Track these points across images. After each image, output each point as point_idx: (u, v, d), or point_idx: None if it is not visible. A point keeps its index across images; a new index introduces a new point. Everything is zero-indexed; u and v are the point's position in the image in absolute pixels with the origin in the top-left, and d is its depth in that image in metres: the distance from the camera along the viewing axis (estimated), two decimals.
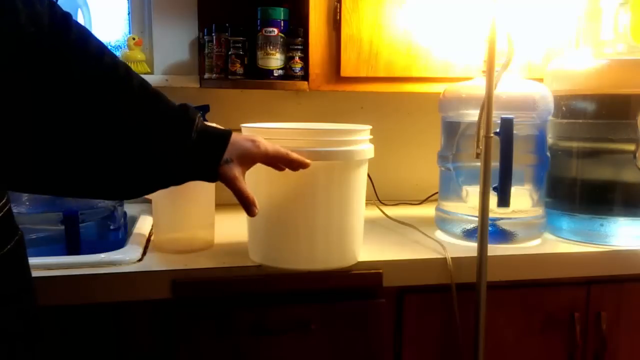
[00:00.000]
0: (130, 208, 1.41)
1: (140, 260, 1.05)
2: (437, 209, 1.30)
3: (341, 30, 1.31)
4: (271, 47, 1.35)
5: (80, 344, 0.99)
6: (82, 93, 0.72)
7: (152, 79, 1.48)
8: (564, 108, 1.25)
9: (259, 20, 1.37)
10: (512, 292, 1.15)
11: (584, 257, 1.16)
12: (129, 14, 1.56)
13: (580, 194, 1.23)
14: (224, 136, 0.85)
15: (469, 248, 1.13)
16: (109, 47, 1.59)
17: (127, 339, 1.02)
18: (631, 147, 1.17)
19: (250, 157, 0.87)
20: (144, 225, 1.27)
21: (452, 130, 1.27)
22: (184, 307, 1.01)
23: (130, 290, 0.99)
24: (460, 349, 1.13)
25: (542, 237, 1.25)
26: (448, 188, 1.28)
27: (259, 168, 1.03)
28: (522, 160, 1.19)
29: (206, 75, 1.42)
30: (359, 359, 1.08)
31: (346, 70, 1.33)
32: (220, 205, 1.16)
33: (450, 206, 1.27)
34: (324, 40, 1.32)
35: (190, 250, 1.10)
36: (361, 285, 1.07)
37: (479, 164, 1.07)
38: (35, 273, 0.95)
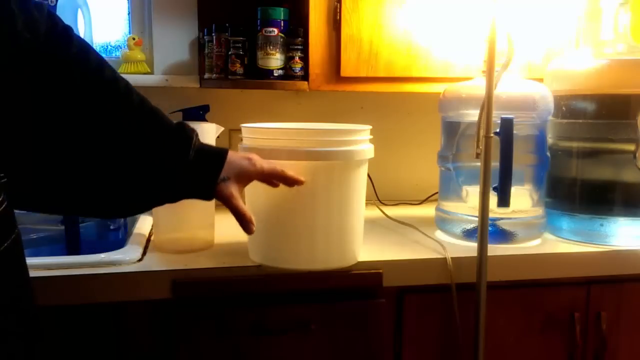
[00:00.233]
0: None
1: (140, 260, 1.05)
2: (437, 209, 1.30)
3: (341, 30, 1.31)
4: (271, 47, 1.35)
5: (80, 344, 0.99)
6: (82, 105, 0.72)
7: (152, 79, 1.48)
8: (564, 108, 1.25)
9: (259, 20, 1.37)
10: (512, 292, 1.15)
11: (584, 257, 1.16)
12: (129, 14, 1.56)
13: (580, 194, 1.23)
14: (220, 154, 0.85)
15: (469, 248, 1.13)
16: (109, 47, 1.59)
17: (127, 339, 1.02)
18: (631, 147, 1.17)
19: (247, 175, 0.88)
20: (144, 225, 1.27)
21: (452, 130, 1.27)
22: (184, 307, 1.01)
23: (130, 290, 0.99)
24: (460, 349, 1.13)
25: (542, 237, 1.25)
26: (448, 188, 1.28)
27: None
28: (522, 160, 1.19)
29: (206, 75, 1.42)
30: (359, 359, 1.08)
31: (346, 70, 1.33)
32: (221, 205, 1.15)
33: (450, 206, 1.27)
34: (324, 40, 1.32)
35: (190, 250, 1.10)
36: (361, 285, 1.07)
37: (479, 164, 1.07)
38: (35, 273, 0.96)
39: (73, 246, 1.31)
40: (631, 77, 1.19)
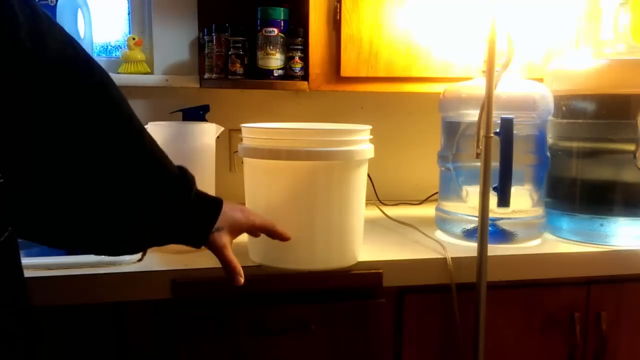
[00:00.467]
0: None
1: (140, 260, 1.05)
2: (437, 209, 1.30)
3: (341, 30, 1.31)
4: (271, 47, 1.35)
5: (80, 344, 0.99)
6: (95, 141, 0.71)
7: (152, 79, 1.49)
8: (564, 108, 1.25)
9: (259, 20, 1.37)
10: (512, 292, 1.15)
11: (584, 257, 1.16)
12: (129, 14, 1.56)
13: (580, 194, 1.23)
14: (217, 204, 0.86)
15: (469, 248, 1.13)
16: (109, 47, 1.59)
17: (127, 339, 1.02)
18: (631, 147, 1.17)
19: (239, 227, 0.89)
20: None
21: (452, 130, 1.27)
22: (183, 307, 1.01)
23: (130, 290, 0.99)
24: (460, 349, 1.13)
25: (542, 237, 1.25)
26: (448, 188, 1.28)
27: (258, 167, 1.03)
28: (522, 160, 1.19)
29: (206, 75, 1.42)
30: (359, 359, 1.08)
31: (346, 70, 1.33)
32: None
33: (450, 206, 1.27)
34: (324, 40, 1.32)
35: (190, 250, 1.10)
36: (361, 285, 1.07)
37: (479, 164, 1.07)
38: (35, 273, 0.96)
39: None
40: (631, 77, 1.19)
